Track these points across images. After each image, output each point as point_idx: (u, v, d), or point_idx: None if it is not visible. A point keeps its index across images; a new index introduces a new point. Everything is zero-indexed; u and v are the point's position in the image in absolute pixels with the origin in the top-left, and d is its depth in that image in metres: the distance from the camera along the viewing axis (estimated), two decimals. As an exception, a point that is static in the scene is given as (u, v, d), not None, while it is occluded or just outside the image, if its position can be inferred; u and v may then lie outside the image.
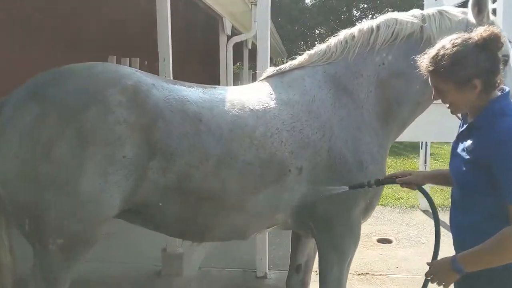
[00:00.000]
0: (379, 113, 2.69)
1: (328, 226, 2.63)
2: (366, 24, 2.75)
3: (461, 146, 2.03)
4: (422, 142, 6.82)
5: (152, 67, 9.73)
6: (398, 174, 2.44)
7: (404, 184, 2.39)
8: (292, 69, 2.77)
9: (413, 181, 2.38)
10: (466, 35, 1.93)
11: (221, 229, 2.52)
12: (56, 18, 7.17)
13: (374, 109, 2.68)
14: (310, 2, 35.57)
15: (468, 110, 2.02)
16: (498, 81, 1.93)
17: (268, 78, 2.79)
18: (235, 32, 8.59)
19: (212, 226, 2.48)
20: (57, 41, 7.40)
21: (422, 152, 6.95)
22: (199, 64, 14.20)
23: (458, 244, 2.06)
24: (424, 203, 6.89)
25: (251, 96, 2.58)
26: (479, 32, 1.90)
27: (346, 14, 34.39)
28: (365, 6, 34.47)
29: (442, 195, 7.65)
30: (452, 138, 2.20)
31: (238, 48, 9.76)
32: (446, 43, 1.93)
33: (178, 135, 2.27)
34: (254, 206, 2.45)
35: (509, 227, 1.79)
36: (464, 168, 1.97)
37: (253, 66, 13.97)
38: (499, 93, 1.95)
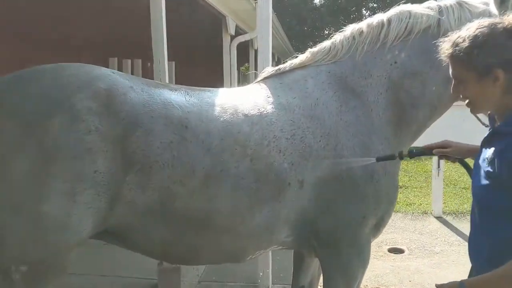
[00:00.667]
0: (391, 118, 2.39)
1: (333, 246, 2.33)
2: (375, 18, 2.45)
3: (482, 156, 1.72)
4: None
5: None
6: (435, 145, 2.12)
7: (443, 156, 2.09)
8: (292, 69, 2.47)
9: (454, 154, 2.06)
10: (497, 19, 1.64)
11: (210, 253, 2.23)
12: (55, 20, 6.95)
13: (386, 113, 2.38)
14: (319, 2, 35.28)
15: (494, 111, 1.71)
16: None
17: (265, 79, 2.49)
18: (239, 32, 8.31)
19: (200, 250, 2.19)
20: (56, 43, 7.18)
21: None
22: (203, 66, 13.94)
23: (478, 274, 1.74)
24: (438, 209, 6.54)
25: (245, 99, 2.29)
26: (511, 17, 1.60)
27: (355, 13, 34.03)
28: (375, 5, 34.07)
29: (457, 200, 7.30)
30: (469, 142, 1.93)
31: (244, 49, 9.47)
32: (472, 25, 1.65)
33: (159, 144, 1.98)
34: (248, 226, 2.15)
35: None
36: (484, 183, 1.65)
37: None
38: None
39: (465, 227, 5.93)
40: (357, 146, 2.29)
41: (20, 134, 1.81)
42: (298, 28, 31.93)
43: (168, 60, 4.06)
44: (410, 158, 2.17)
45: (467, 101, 1.70)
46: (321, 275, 2.58)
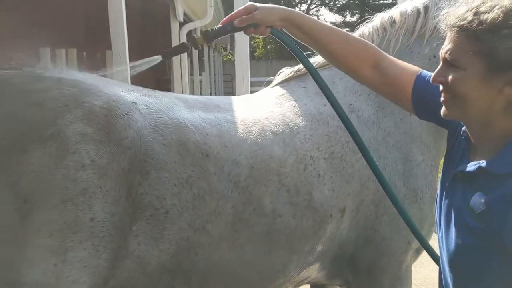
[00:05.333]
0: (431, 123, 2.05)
1: (374, 280, 1.97)
2: (409, 5, 2.07)
3: (460, 198, 1.19)
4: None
5: (93, 59, 8.59)
6: (238, 13, 1.50)
7: (250, 29, 1.50)
8: None
9: (264, 21, 1.47)
10: None
11: None
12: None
13: None
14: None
15: (482, 130, 1.18)
16: None
17: (284, 83, 2.05)
18: (185, 19, 7.68)
19: None
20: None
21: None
22: (149, 56, 13.05)
23: None
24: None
25: (269, 111, 1.83)
26: None
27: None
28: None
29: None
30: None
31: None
32: None
33: (176, 181, 1.49)
34: (283, 273, 1.73)
35: None
36: (468, 242, 1.15)
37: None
38: None
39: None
40: (399, 159, 1.94)
41: None
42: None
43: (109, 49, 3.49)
44: (208, 43, 1.60)
45: (445, 98, 1.18)
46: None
